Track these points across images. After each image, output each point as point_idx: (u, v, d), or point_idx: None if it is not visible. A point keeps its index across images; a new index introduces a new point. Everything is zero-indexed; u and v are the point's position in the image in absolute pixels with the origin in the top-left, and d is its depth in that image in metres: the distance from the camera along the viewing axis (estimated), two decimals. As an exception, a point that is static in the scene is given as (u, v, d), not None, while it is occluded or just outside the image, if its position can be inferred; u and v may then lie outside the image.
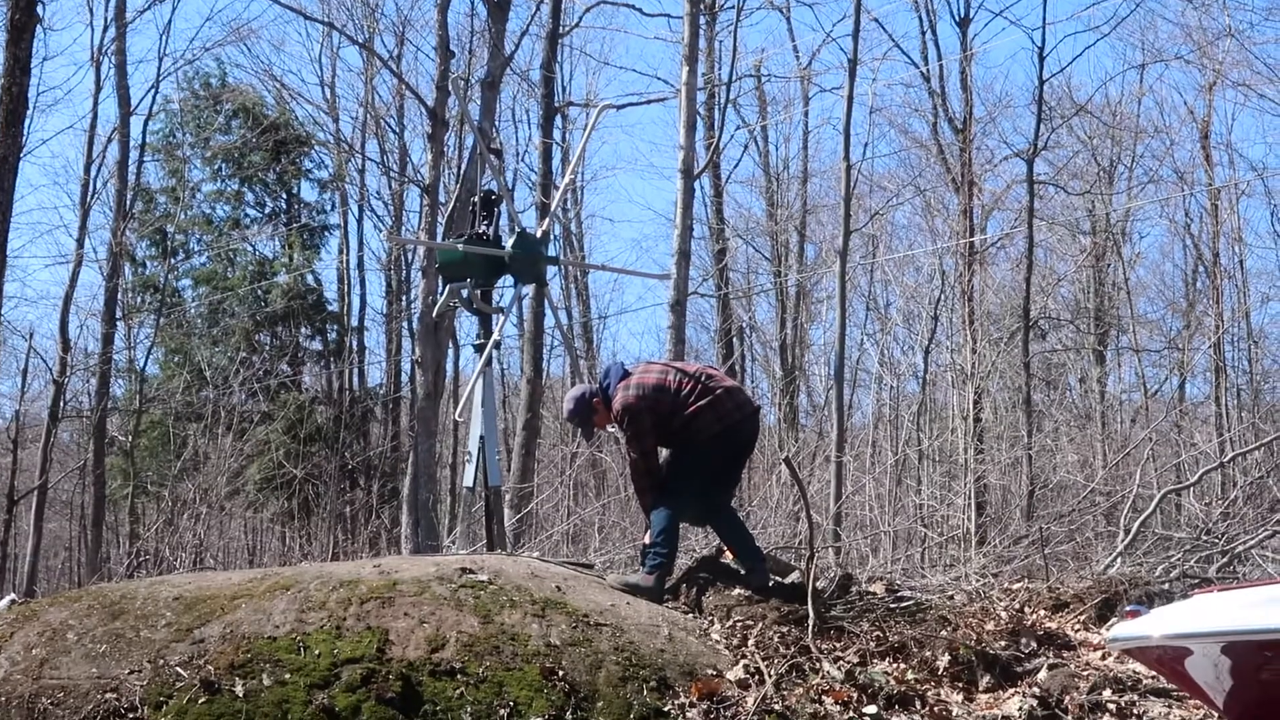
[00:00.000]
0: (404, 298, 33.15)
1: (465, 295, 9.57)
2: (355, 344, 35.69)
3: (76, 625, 6.65)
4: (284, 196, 36.17)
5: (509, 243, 9.48)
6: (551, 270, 11.18)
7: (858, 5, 20.47)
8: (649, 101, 27.36)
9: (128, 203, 27.23)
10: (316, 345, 35.76)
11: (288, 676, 6.30)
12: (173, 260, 33.82)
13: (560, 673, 6.54)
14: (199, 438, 26.67)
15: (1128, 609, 5.76)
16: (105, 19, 26.07)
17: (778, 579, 8.48)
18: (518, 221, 9.92)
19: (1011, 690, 7.08)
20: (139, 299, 33.67)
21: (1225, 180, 29.80)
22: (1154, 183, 31.95)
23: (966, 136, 27.16)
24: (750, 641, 7.34)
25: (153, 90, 28.12)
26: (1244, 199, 30.11)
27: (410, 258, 32.10)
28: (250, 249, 35.33)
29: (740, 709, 6.51)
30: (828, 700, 6.68)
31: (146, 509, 29.51)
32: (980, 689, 7.13)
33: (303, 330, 34.80)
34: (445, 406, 24.56)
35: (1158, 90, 33.78)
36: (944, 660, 7.25)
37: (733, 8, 25.35)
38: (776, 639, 7.34)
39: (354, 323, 35.63)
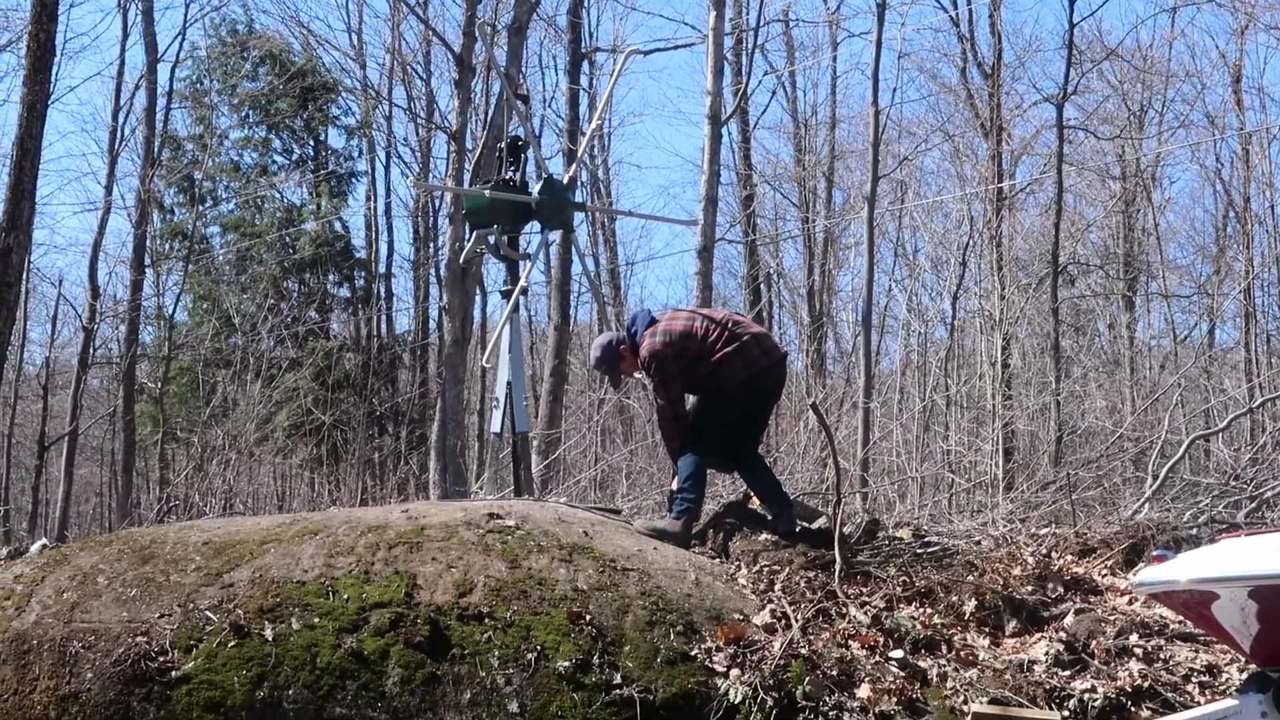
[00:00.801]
0: (431, 244, 33.10)
1: (492, 241, 9.54)
2: (383, 290, 35.69)
3: (107, 569, 6.69)
4: (311, 143, 36.10)
5: (536, 189, 9.44)
6: (579, 216, 11.18)
7: (887, -51, 20.31)
8: (676, 47, 27.07)
9: (155, 150, 27.27)
10: (344, 292, 35.76)
11: (316, 620, 6.34)
12: (201, 207, 33.86)
13: (587, 617, 6.57)
14: (228, 384, 26.82)
15: (1155, 554, 5.76)
16: (132, -35, 26.06)
17: (804, 524, 8.49)
18: (544, 167, 9.91)
19: (1038, 635, 7.09)
20: (167, 246, 33.72)
21: (1257, 125, 29.53)
22: (1185, 127, 31.66)
23: (995, 81, 26.89)
24: (777, 586, 7.35)
25: (180, 37, 28.19)
26: (1275, 143, 29.77)
27: (437, 204, 32.04)
28: (278, 196, 35.30)
29: (767, 653, 6.53)
30: (854, 644, 6.71)
31: (176, 455, 29.70)
32: (1007, 634, 7.15)
33: (330, 277, 34.78)
34: (473, 353, 24.58)
35: (1189, 34, 33.44)
36: (970, 605, 7.26)
37: (761, -49, 25.09)
38: (803, 584, 7.35)
39: (382, 269, 35.68)
